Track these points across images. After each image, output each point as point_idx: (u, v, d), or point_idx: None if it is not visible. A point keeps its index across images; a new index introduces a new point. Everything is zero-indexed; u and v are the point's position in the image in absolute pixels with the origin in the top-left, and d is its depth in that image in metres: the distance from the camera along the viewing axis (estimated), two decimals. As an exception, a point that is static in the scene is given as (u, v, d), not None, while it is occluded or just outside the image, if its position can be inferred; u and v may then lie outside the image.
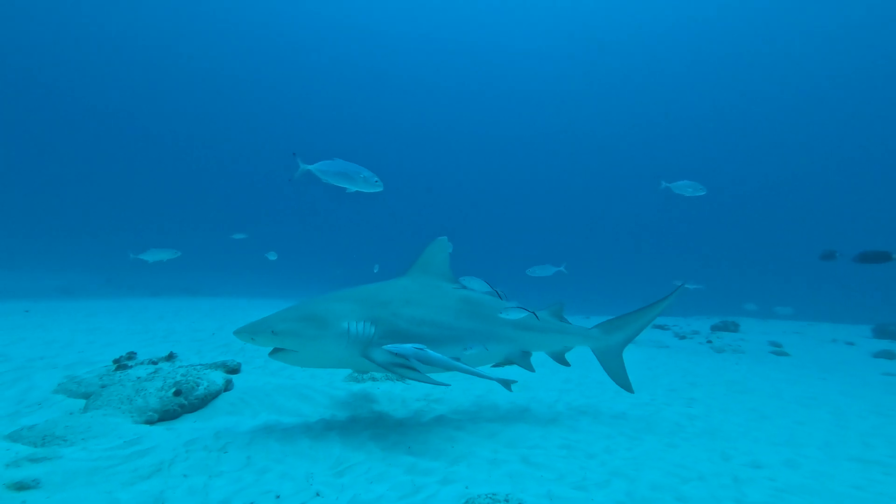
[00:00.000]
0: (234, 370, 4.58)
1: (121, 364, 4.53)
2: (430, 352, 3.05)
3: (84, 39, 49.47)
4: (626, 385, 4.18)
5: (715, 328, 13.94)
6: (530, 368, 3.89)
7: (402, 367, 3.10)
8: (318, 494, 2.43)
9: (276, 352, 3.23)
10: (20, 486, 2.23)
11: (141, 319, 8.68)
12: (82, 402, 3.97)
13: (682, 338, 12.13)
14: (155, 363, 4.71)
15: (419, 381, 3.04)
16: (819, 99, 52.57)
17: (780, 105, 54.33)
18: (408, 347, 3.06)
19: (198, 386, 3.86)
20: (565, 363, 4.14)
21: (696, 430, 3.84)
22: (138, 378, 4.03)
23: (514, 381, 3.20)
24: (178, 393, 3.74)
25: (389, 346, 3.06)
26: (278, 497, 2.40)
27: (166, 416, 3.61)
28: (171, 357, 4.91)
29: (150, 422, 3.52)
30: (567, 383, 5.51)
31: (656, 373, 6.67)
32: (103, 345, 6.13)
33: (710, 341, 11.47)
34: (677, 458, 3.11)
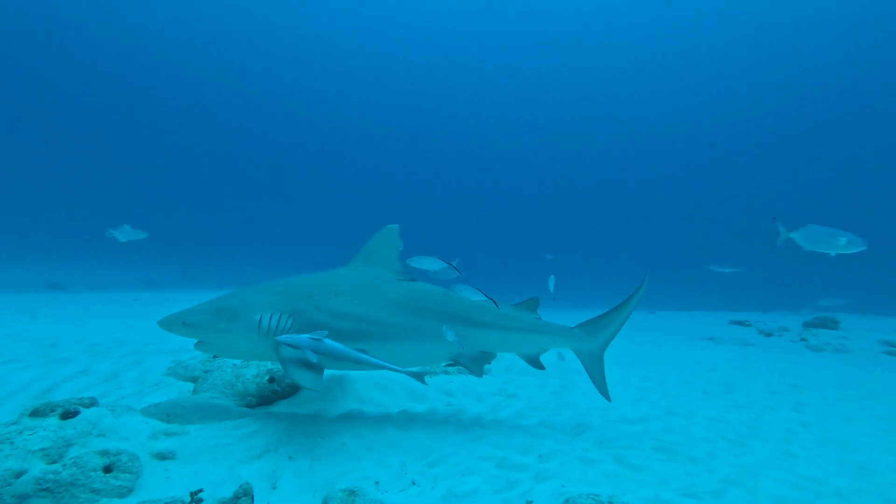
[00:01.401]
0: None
1: (219, 352, 4.94)
2: (329, 343, 2.87)
3: (98, 39, 50.17)
4: (604, 391, 3.65)
5: (808, 325, 12.51)
6: (478, 374, 3.44)
7: (333, 360, 2.91)
8: (413, 483, 2.48)
9: (198, 343, 3.21)
10: (161, 456, 2.50)
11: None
12: (190, 384, 4.40)
13: (769, 335, 11.03)
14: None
15: (389, 370, 2.91)
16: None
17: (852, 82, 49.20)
18: (303, 338, 2.87)
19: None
20: (539, 366, 3.65)
21: (815, 439, 3.44)
22: (234, 365, 4.38)
23: (426, 374, 2.99)
24: (271, 380, 4.01)
25: (283, 337, 2.89)
26: (377, 483, 2.48)
27: (263, 401, 3.89)
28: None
29: (250, 406, 3.81)
30: (646, 381, 5.21)
31: (746, 373, 6.11)
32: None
33: (804, 339, 10.32)
34: (800, 468, 2.80)
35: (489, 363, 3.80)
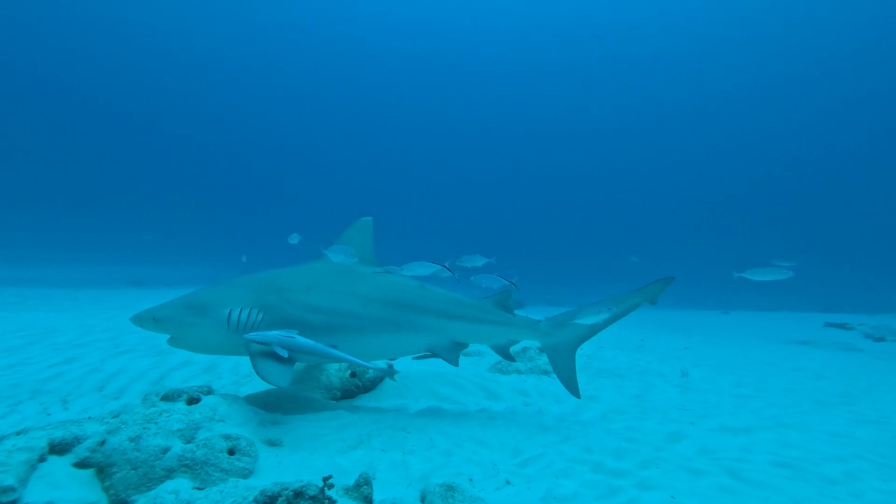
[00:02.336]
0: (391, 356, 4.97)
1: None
2: (299, 339, 2.88)
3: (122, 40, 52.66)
4: (573, 389, 3.53)
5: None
6: (454, 363, 3.45)
7: (303, 355, 2.94)
8: (508, 483, 2.49)
9: (171, 339, 3.19)
10: (271, 443, 2.70)
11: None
12: (278, 377, 4.73)
13: (880, 340, 9.79)
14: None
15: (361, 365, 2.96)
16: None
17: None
18: (272, 335, 2.88)
19: (367, 370, 4.28)
20: (510, 358, 3.70)
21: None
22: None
23: (397, 372, 2.97)
24: (353, 375, 4.20)
25: (252, 335, 2.88)
26: (471, 480, 2.52)
27: (346, 394, 4.09)
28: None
29: (335, 399, 4.02)
30: (740, 388, 4.82)
31: (865, 383, 5.43)
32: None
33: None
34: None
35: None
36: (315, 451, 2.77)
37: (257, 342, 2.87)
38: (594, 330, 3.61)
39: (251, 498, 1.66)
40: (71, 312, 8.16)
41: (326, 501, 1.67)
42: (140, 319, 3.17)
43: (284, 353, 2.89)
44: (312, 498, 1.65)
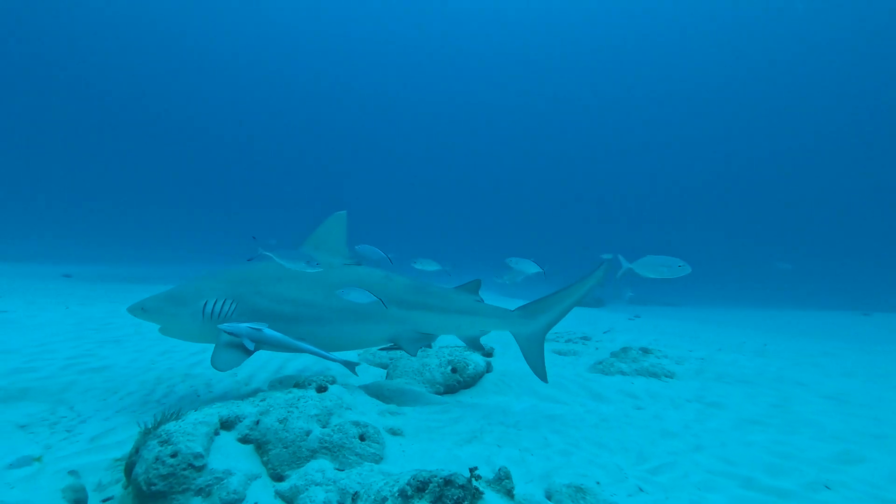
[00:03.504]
0: (488, 353, 4.99)
1: (398, 342, 5.48)
2: (267, 331, 3.00)
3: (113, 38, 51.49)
4: (542, 375, 3.54)
5: None
6: (413, 354, 3.47)
7: (268, 345, 3.04)
8: (641, 490, 2.34)
9: (161, 328, 3.44)
10: (393, 432, 2.83)
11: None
12: (380, 370, 4.97)
13: None
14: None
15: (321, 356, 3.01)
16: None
17: None
18: (242, 327, 3.01)
19: (468, 366, 4.33)
20: (480, 348, 3.68)
21: None
22: (419, 356, 4.79)
23: (357, 364, 2.97)
24: (454, 371, 4.27)
25: (224, 326, 3.03)
26: (598, 483, 2.41)
27: (448, 389, 4.17)
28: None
29: (439, 393, 4.12)
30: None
31: None
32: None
33: None
34: None
35: (430, 346, 3.73)
36: (432, 441, 2.85)
37: (228, 332, 3.04)
38: (559, 317, 3.68)
39: (403, 482, 1.73)
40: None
41: (473, 491, 1.69)
42: (133, 309, 3.48)
43: (251, 346, 3.05)
44: (461, 487, 1.68)
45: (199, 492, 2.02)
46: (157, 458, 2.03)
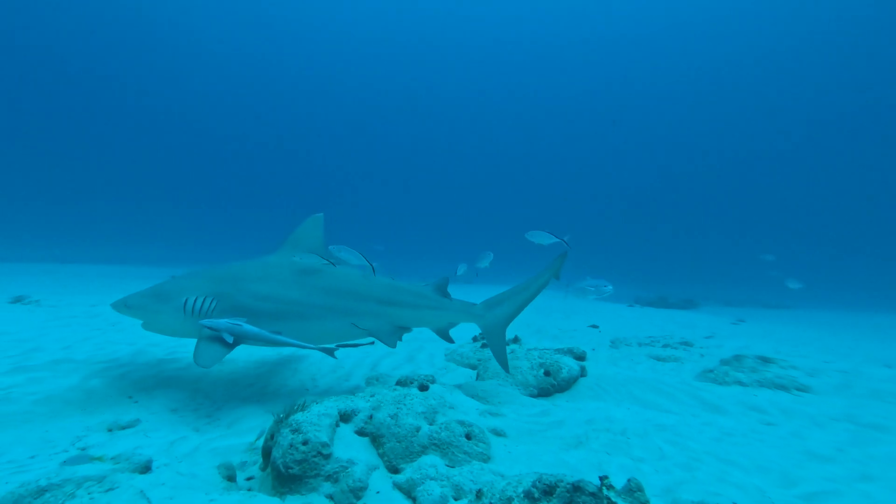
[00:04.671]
0: (580, 357, 4.79)
1: (485, 343, 5.48)
2: (246, 326, 3.14)
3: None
4: (504, 364, 3.80)
5: None
6: (392, 346, 3.62)
7: (248, 340, 3.12)
8: (788, 514, 2.07)
9: (143, 324, 3.60)
10: (496, 432, 2.82)
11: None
12: (468, 370, 5.00)
13: None
14: (507, 344, 5.51)
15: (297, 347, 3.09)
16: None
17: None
18: (222, 322, 3.16)
19: (561, 369, 4.19)
20: (449, 339, 3.88)
21: None
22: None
23: (335, 349, 3.06)
24: (547, 373, 4.16)
25: (205, 321, 3.17)
26: None
27: (542, 392, 4.06)
28: (516, 340, 5.63)
29: (532, 395, 4.03)
30: None
31: None
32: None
33: None
34: None
35: (401, 339, 3.94)
36: (536, 444, 2.78)
37: (209, 328, 3.17)
38: (518, 309, 3.92)
39: (527, 483, 1.70)
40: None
41: (605, 501, 1.61)
42: (117, 305, 3.69)
43: (230, 339, 3.15)
44: (592, 495, 1.60)
45: (328, 477, 2.17)
46: (290, 445, 2.22)
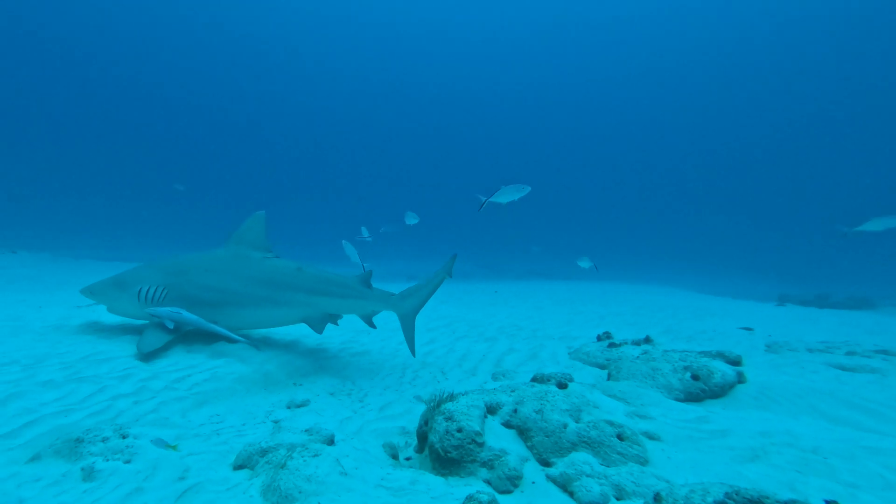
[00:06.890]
0: (734, 362, 4.22)
1: (612, 343, 5.16)
2: (185, 314, 3.70)
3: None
4: (412, 347, 4.23)
5: None
6: (320, 332, 4.23)
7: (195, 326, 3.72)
8: None
9: (108, 307, 4.23)
10: (648, 436, 2.62)
11: (564, 301, 10.24)
12: (598, 370, 4.75)
13: None
14: (637, 344, 5.10)
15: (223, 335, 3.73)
16: None
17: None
18: (164, 310, 3.73)
19: (712, 374, 3.72)
20: (371, 325, 4.43)
21: None
22: (636, 357, 4.39)
23: (253, 337, 3.72)
24: (695, 377, 3.73)
25: (151, 309, 3.77)
26: None
27: (689, 397, 3.65)
28: (648, 340, 5.19)
29: (678, 399, 3.65)
30: None
31: None
32: (564, 323, 7.54)
33: None
34: None
35: (336, 324, 4.51)
36: (699, 452, 2.51)
37: (153, 315, 3.72)
38: (425, 300, 4.32)
39: (718, 494, 1.53)
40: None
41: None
42: (84, 291, 4.25)
43: (171, 325, 3.70)
44: (809, 515, 1.38)
45: (483, 464, 2.25)
46: (446, 431, 2.36)
